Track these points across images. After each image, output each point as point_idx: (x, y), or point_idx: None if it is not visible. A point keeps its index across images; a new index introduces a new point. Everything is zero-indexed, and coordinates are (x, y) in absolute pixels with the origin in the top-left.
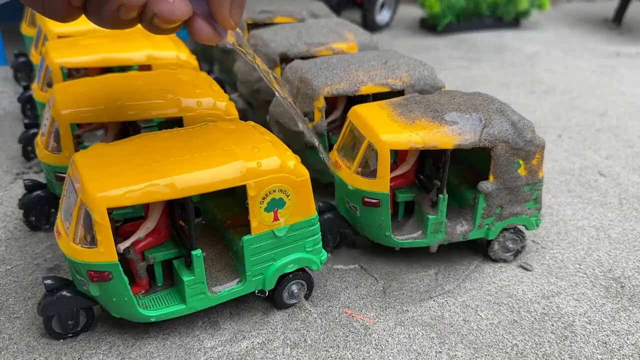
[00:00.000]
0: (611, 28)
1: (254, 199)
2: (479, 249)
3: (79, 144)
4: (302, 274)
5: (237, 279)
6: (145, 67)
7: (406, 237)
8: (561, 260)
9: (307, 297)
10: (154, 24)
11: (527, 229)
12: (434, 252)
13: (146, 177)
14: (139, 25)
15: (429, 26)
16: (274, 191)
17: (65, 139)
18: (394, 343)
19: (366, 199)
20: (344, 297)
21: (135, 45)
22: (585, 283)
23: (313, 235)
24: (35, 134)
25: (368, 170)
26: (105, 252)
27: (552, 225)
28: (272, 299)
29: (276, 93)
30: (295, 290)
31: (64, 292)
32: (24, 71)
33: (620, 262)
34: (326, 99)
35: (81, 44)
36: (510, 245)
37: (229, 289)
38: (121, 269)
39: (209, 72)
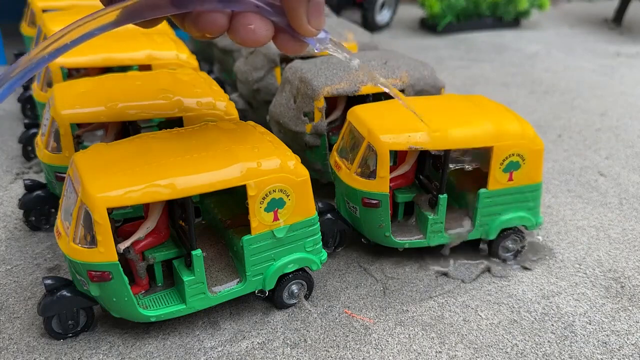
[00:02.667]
0: (611, 28)
1: (254, 199)
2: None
3: (79, 144)
4: (302, 274)
5: (237, 279)
6: (145, 67)
7: (406, 238)
8: (561, 260)
9: (307, 297)
10: (242, 45)
11: (527, 229)
12: (446, 254)
13: (146, 177)
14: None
15: (429, 26)
16: (274, 191)
17: (65, 139)
18: (394, 343)
19: (366, 200)
20: (344, 297)
21: (135, 45)
22: (585, 283)
23: (313, 235)
24: (35, 134)
25: (368, 170)
26: (105, 252)
27: (552, 225)
28: (272, 299)
29: (380, 86)
30: (295, 290)
31: (64, 292)
32: None
33: (620, 262)
34: (326, 99)
35: (81, 44)
36: (510, 245)
37: (229, 289)
38: (121, 269)
39: (209, 72)
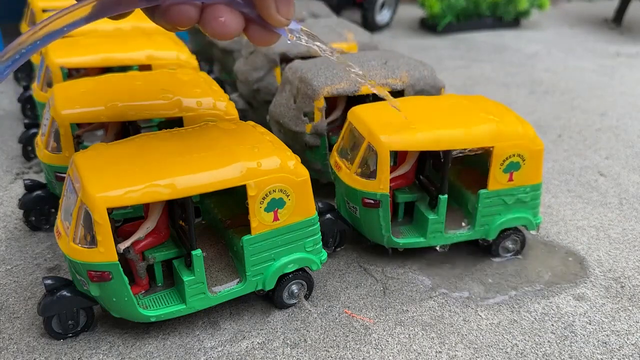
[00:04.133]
0: (611, 28)
1: (254, 199)
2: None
3: (79, 144)
4: (302, 274)
5: (237, 279)
6: (145, 67)
7: (406, 238)
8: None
9: (307, 297)
10: (213, 37)
11: (527, 229)
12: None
13: (146, 177)
14: (139, 26)
15: (429, 26)
16: (274, 191)
17: (65, 139)
18: (394, 343)
19: (366, 200)
20: (344, 297)
21: (135, 45)
22: (585, 283)
23: (313, 235)
24: (35, 134)
25: (368, 171)
26: (105, 252)
27: (552, 225)
28: (272, 299)
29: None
30: (295, 290)
31: (64, 292)
32: (24, 71)
33: (620, 262)
34: (326, 99)
35: (81, 44)
36: (510, 246)
37: (229, 289)
38: (121, 269)
39: (209, 72)
